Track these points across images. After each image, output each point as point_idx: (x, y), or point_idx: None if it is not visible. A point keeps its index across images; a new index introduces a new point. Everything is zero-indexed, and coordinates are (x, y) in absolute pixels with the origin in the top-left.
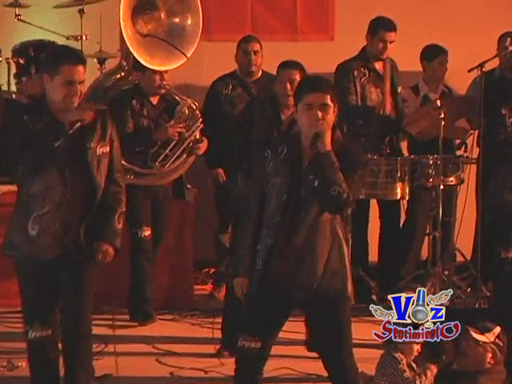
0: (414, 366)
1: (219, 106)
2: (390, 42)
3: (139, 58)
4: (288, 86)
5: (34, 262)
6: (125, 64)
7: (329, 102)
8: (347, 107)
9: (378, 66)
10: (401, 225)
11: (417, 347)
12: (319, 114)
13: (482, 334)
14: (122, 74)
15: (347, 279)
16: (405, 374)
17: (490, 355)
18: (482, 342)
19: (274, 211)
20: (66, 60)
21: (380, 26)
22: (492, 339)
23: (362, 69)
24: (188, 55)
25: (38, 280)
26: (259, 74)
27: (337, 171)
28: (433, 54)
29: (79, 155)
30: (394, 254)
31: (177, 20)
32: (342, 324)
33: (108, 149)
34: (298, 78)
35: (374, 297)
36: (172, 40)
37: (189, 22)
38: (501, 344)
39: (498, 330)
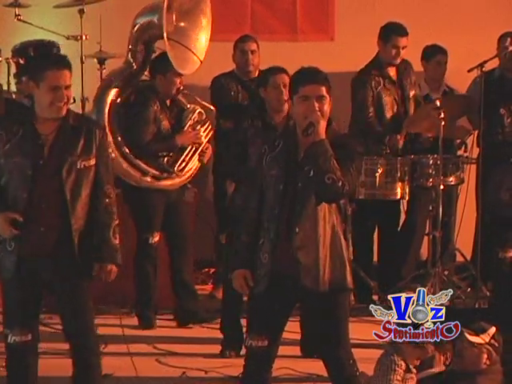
0: (413, 369)
1: (227, 96)
2: (403, 48)
3: (174, 62)
4: (284, 90)
5: (17, 269)
6: (132, 61)
7: (325, 93)
8: (364, 121)
9: (392, 71)
10: (400, 225)
11: (418, 361)
12: (316, 105)
13: (477, 335)
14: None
15: (346, 270)
16: (391, 376)
17: (485, 356)
18: (477, 343)
19: (273, 203)
20: (49, 65)
21: (392, 32)
22: (487, 340)
23: (377, 78)
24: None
25: (21, 286)
26: (256, 73)
27: (331, 159)
28: (430, 54)
29: (55, 168)
30: (393, 254)
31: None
32: (340, 315)
33: (93, 162)
34: (288, 82)
35: (374, 297)
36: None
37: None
38: (496, 344)
39: (492, 330)
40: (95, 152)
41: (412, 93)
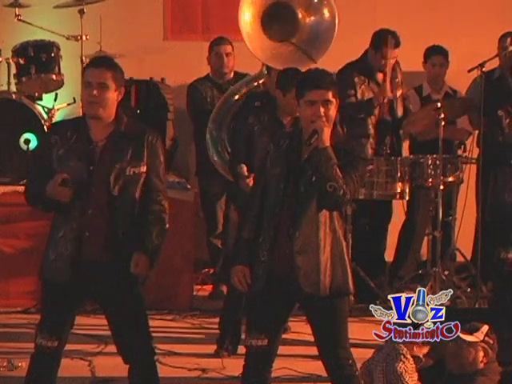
0: (422, 357)
1: (205, 104)
2: (393, 58)
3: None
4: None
5: (53, 285)
6: (266, 72)
7: (331, 98)
8: (347, 107)
9: (378, 75)
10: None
11: (425, 349)
12: (321, 110)
13: (471, 334)
14: (260, 81)
15: (347, 274)
16: (398, 365)
17: (481, 354)
18: (472, 342)
19: (273, 202)
20: (89, 64)
21: (383, 44)
22: (481, 338)
23: (361, 76)
24: (317, 60)
25: (55, 301)
26: (231, 76)
27: (333, 167)
28: (427, 56)
29: (103, 175)
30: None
31: (313, 18)
32: (340, 318)
33: (144, 169)
34: None
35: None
36: (307, 42)
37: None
38: (490, 342)
39: (485, 328)
40: (146, 159)
41: (399, 92)
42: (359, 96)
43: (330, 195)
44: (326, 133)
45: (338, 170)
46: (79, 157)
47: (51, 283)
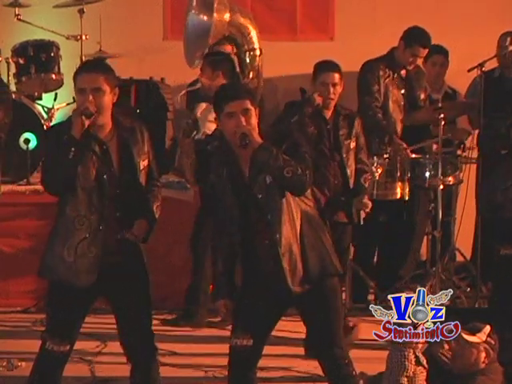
0: (423, 359)
1: None
2: (421, 57)
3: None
4: (331, 89)
5: (68, 287)
6: None
7: (249, 106)
8: (367, 118)
9: (402, 71)
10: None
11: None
12: (243, 119)
13: (474, 334)
14: None
15: (331, 255)
16: (401, 372)
17: (483, 355)
18: (475, 342)
19: (234, 225)
20: (80, 70)
21: (416, 42)
22: (484, 339)
23: (386, 70)
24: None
25: (69, 304)
26: None
27: (279, 155)
28: (428, 54)
29: (129, 172)
30: (393, 253)
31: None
32: (332, 304)
33: (147, 162)
34: (338, 80)
35: (370, 297)
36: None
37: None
38: (492, 342)
39: (488, 329)
40: (147, 151)
41: (422, 96)
42: (383, 90)
43: (292, 180)
44: (255, 134)
45: (284, 156)
46: (97, 157)
47: (66, 285)
